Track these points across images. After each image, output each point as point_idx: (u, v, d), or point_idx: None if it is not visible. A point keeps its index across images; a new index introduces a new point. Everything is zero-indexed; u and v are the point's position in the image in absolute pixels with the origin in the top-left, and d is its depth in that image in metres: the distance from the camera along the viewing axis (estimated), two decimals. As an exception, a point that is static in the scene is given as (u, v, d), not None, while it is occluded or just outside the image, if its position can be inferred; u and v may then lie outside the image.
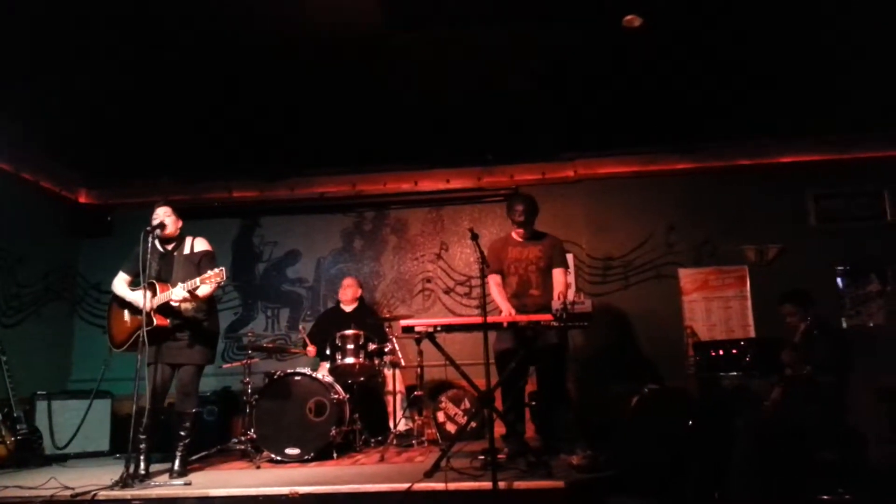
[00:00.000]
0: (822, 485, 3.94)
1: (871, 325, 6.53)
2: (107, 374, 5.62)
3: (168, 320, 4.44)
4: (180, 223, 4.74)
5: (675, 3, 4.54)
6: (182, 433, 4.53)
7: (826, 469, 3.99)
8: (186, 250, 4.69)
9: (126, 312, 4.61)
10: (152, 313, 4.31)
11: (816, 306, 4.44)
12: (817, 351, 4.21)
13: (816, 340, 4.27)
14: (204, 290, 4.42)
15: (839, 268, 6.66)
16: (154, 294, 4.36)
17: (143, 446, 4.30)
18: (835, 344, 4.26)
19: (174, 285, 4.40)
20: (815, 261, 6.60)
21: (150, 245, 4.41)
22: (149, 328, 4.21)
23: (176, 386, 4.59)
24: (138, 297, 4.40)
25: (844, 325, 6.54)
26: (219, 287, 4.62)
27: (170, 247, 4.67)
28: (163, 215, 4.61)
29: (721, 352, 5.42)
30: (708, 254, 6.87)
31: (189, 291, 4.32)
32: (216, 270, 4.30)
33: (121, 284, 4.64)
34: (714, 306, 6.74)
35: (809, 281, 5.87)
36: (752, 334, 6.51)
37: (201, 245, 4.74)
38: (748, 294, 6.71)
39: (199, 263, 4.59)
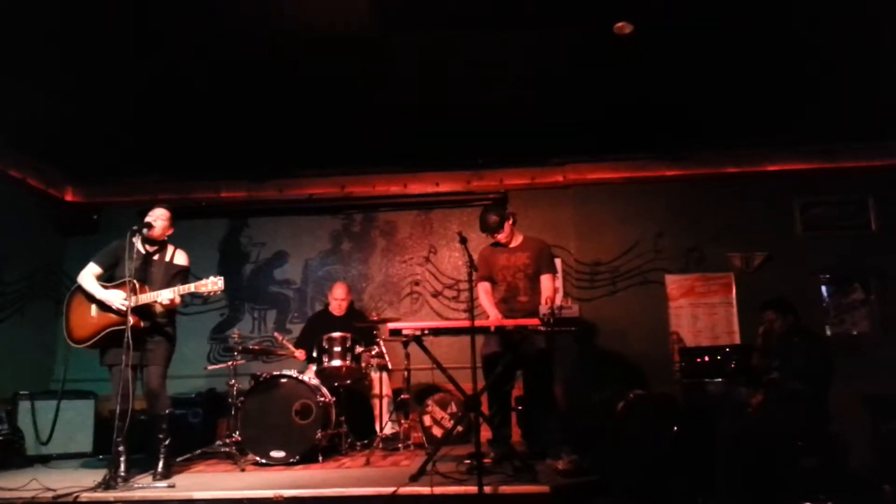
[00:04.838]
0: (804, 490, 3.97)
1: (855, 333, 6.59)
2: (90, 374, 5.59)
3: (142, 322, 4.41)
4: (171, 231, 4.71)
5: (665, 10, 4.57)
6: (160, 435, 4.48)
7: (808, 475, 4.03)
8: (167, 258, 4.67)
9: (93, 307, 4.48)
10: (128, 313, 4.25)
11: (799, 314, 4.48)
12: (795, 358, 4.24)
13: (795, 347, 4.31)
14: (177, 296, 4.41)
15: (824, 276, 6.72)
16: (135, 293, 4.30)
17: (121, 448, 4.23)
18: (812, 351, 4.28)
19: (151, 288, 4.40)
20: (801, 268, 6.65)
21: (132, 244, 4.35)
22: (123, 327, 4.16)
23: (144, 390, 4.50)
24: (110, 297, 4.37)
25: (829, 332, 6.60)
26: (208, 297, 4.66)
27: (152, 249, 4.64)
28: (158, 216, 4.59)
29: (706, 358, 5.47)
30: (695, 260, 6.91)
31: (180, 295, 4.35)
32: (213, 279, 4.31)
33: (90, 278, 4.52)
34: (700, 313, 6.78)
35: (794, 288, 5.94)
36: (738, 341, 6.55)
37: (181, 258, 4.72)
38: (734, 301, 6.76)
39: (175, 276, 4.59)
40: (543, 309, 4.46)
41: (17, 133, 6.16)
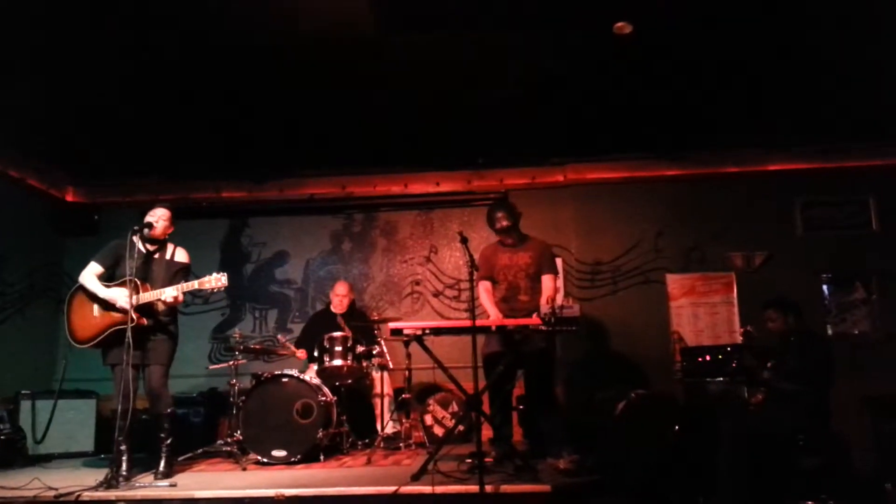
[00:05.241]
0: (806, 490, 3.97)
1: (856, 332, 6.60)
2: (91, 373, 5.59)
3: (145, 320, 4.42)
4: (171, 230, 4.72)
5: (665, 10, 4.56)
6: (162, 434, 4.50)
7: (809, 475, 4.02)
8: (168, 256, 4.68)
9: (96, 307, 4.49)
10: (132, 312, 4.26)
11: (802, 313, 4.47)
12: (790, 358, 4.23)
13: (791, 347, 4.29)
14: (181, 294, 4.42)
15: (825, 275, 6.72)
16: (137, 292, 4.30)
17: (123, 447, 4.23)
18: (807, 352, 4.24)
19: (152, 286, 4.42)
20: (802, 268, 6.66)
21: (133, 243, 4.35)
22: (126, 326, 4.15)
23: (145, 389, 4.51)
24: (114, 295, 4.38)
25: (830, 332, 6.60)
26: (211, 292, 4.72)
27: (152, 248, 4.65)
28: (159, 216, 4.60)
29: (707, 357, 5.46)
30: (696, 260, 6.91)
31: (183, 293, 4.36)
32: (217, 276, 4.32)
33: (92, 278, 4.52)
34: (701, 312, 6.78)
35: (795, 288, 5.95)
36: (739, 340, 6.53)
37: (182, 256, 4.73)
38: (735, 300, 6.76)
39: (176, 274, 4.60)
40: (544, 308, 4.46)
41: (17, 133, 6.15)
